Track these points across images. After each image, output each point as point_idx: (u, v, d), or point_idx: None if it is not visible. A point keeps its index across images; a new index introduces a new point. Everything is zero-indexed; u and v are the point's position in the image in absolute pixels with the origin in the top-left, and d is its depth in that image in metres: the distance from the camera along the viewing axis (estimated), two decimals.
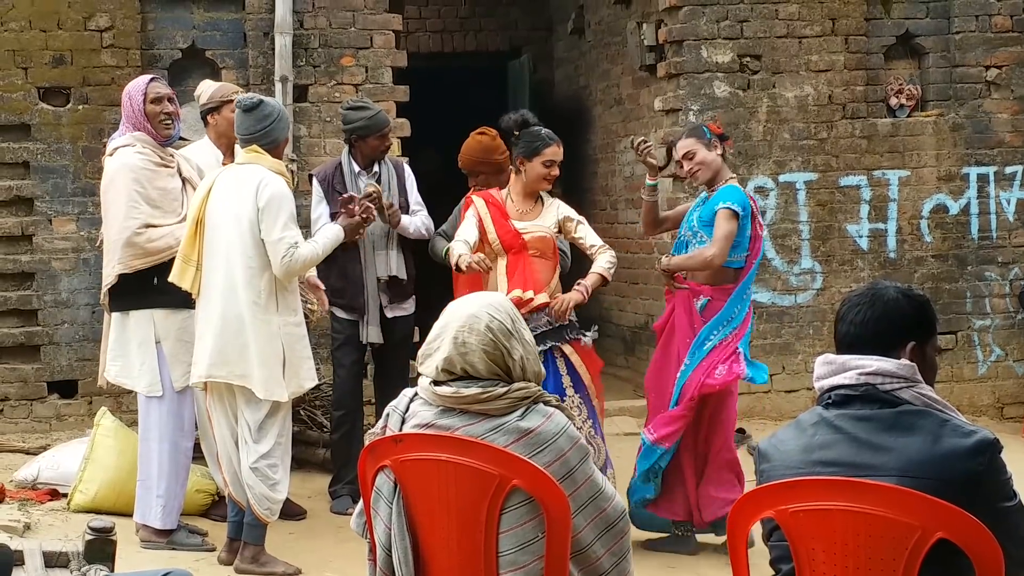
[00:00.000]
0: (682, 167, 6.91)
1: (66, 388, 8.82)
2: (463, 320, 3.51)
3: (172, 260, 6.16)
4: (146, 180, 6.35)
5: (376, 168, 7.43)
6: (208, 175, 6.35)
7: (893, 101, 9.94)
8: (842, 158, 9.83)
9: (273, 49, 8.93)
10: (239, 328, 6.00)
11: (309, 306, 6.76)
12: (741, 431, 9.03)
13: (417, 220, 7.48)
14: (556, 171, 6.66)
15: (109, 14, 8.79)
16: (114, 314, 6.48)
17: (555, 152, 6.63)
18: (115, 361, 6.47)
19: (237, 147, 7.03)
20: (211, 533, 6.67)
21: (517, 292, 6.42)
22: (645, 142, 6.98)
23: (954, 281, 9.98)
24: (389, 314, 7.46)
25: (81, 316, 8.73)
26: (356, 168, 7.43)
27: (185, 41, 9.02)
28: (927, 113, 9.99)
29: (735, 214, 6.51)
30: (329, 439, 7.79)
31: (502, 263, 6.57)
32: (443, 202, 7.75)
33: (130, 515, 6.49)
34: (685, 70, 9.63)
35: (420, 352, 3.60)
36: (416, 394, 3.62)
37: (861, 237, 9.88)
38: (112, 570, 4.22)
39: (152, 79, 6.62)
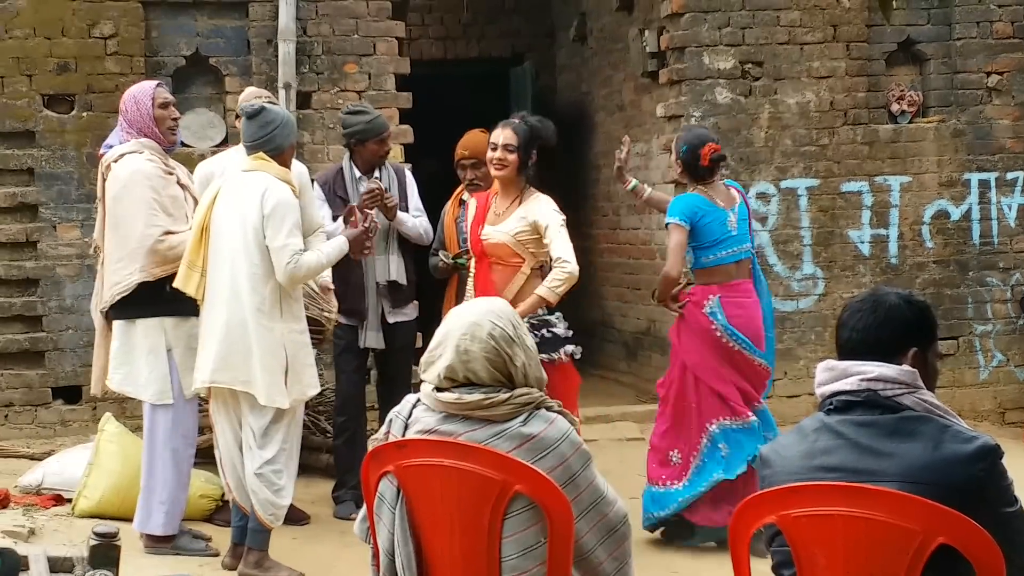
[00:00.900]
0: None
1: (70, 394, 8.84)
2: (465, 328, 3.52)
3: None
4: (160, 187, 6.34)
5: (377, 173, 7.45)
6: (214, 182, 6.36)
7: (895, 107, 9.95)
8: (844, 164, 9.84)
9: (276, 56, 8.94)
10: (243, 334, 6.01)
11: (325, 314, 6.75)
12: None
13: (417, 223, 7.50)
14: (501, 154, 6.40)
15: (113, 21, 8.81)
16: (117, 322, 6.43)
17: (496, 134, 6.48)
18: (118, 369, 6.43)
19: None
20: (215, 538, 6.68)
21: None
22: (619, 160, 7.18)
23: (955, 287, 9.99)
24: (390, 319, 7.47)
25: (85, 322, 8.72)
26: (357, 173, 7.45)
27: (189, 48, 9.04)
28: (928, 119, 10.01)
29: (677, 225, 6.81)
30: (332, 444, 7.80)
31: (473, 269, 6.59)
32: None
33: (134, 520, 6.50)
34: (687, 77, 9.65)
35: (422, 359, 3.61)
36: (419, 400, 3.63)
37: (863, 243, 9.89)
38: (116, 575, 4.23)
39: (158, 84, 6.64)
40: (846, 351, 3.32)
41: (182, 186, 6.51)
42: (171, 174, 6.46)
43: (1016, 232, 10.08)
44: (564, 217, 6.42)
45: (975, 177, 10.02)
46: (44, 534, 6.52)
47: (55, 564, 4.46)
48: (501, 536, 3.39)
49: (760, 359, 6.88)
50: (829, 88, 9.80)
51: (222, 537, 6.67)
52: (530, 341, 3.60)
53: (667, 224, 6.89)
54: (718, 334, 6.79)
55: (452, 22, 13.50)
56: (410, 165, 8.51)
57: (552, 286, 6.21)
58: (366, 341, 7.38)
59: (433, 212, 7.70)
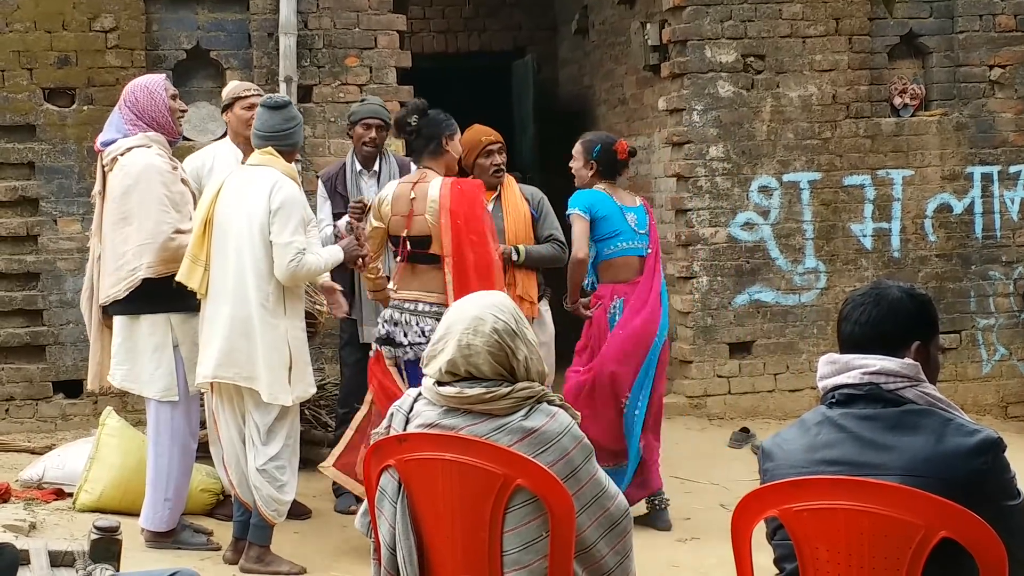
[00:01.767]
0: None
1: (71, 388, 8.83)
2: (467, 322, 3.51)
3: None
4: (170, 183, 6.31)
5: (376, 166, 7.42)
6: (218, 176, 6.34)
7: (897, 101, 9.94)
8: (846, 158, 9.84)
9: (278, 50, 8.93)
10: (247, 330, 6.00)
11: (318, 307, 6.74)
12: (745, 430, 9.05)
13: None
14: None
15: (114, 15, 8.80)
16: (119, 318, 6.39)
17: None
18: (121, 366, 6.39)
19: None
20: (216, 532, 6.68)
21: None
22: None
23: (958, 280, 9.98)
24: None
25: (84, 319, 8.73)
26: (358, 167, 7.44)
27: (190, 42, 9.03)
28: (931, 113, 10.00)
29: (579, 215, 7.06)
30: (333, 437, 7.80)
31: None
32: None
33: (135, 514, 6.48)
34: (689, 70, 9.64)
35: (424, 354, 3.61)
36: (420, 394, 3.63)
37: (865, 236, 9.89)
38: (118, 569, 4.23)
39: (164, 76, 6.64)
40: (848, 344, 3.31)
41: (183, 182, 6.49)
42: (176, 169, 6.44)
43: (1019, 225, 10.07)
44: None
45: (977, 171, 10.01)
46: (45, 528, 6.52)
47: (56, 558, 4.45)
48: (502, 530, 3.38)
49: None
50: (831, 81, 9.79)
51: (223, 531, 6.67)
52: (531, 335, 3.60)
53: (568, 216, 7.10)
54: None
55: (454, 15, 13.50)
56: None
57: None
58: (363, 336, 7.38)
59: None
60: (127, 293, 6.29)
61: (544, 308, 7.29)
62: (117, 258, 6.32)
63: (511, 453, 3.38)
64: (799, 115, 9.77)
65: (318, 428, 8.19)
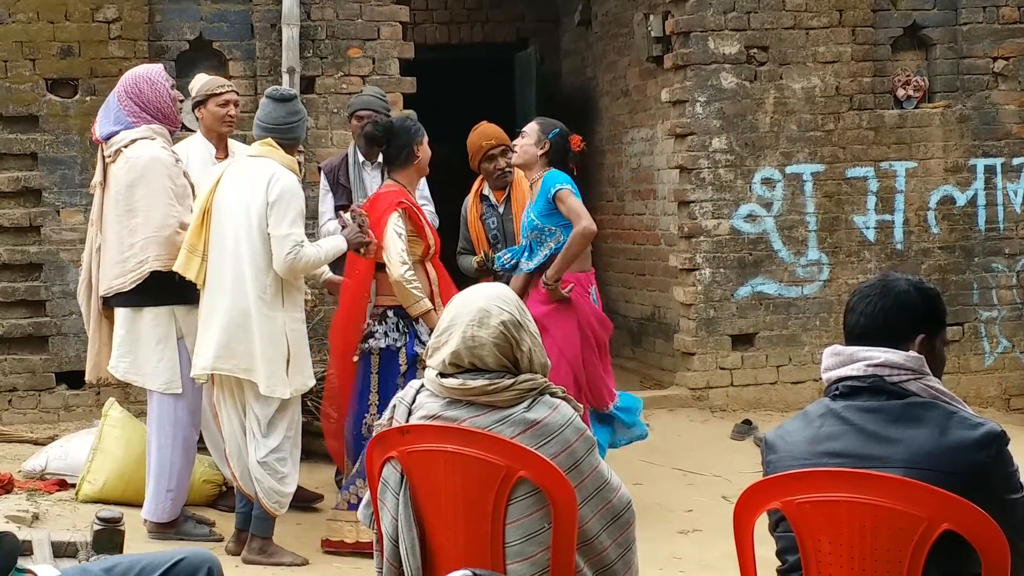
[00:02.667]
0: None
1: (74, 379, 8.83)
2: (472, 314, 3.50)
3: None
4: (175, 176, 6.32)
5: (380, 158, 7.40)
6: (217, 166, 6.33)
7: (900, 92, 9.93)
8: (849, 149, 9.83)
9: (280, 40, 8.93)
10: (245, 322, 6.00)
11: (306, 296, 6.74)
12: (748, 422, 9.06)
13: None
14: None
15: (116, 5, 8.79)
16: (121, 310, 6.38)
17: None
18: (124, 358, 6.38)
19: (232, 142, 7.06)
20: (218, 524, 6.69)
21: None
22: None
23: (961, 272, 9.98)
24: None
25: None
26: (360, 158, 7.43)
27: (192, 32, 9.03)
28: (934, 104, 9.99)
29: (570, 190, 6.70)
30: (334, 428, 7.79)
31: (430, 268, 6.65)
32: (453, 195, 7.74)
33: (138, 505, 6.49)
34: (692, 61, 9.63)
35: (428, 345, 3.61)
36: (422, 386, 3.62)
37: (868, 228, 9.88)
38: None
39: (162, 66, 6.63)
40: (853, 336, 3.30)
41: (184, 175, 6.50)
42: (179, 162, 6.45)
43: (1022, 218, 10.07)
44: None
45: (981, 163, 10.00)
46: (48, 519, 6.53)
47: (59, 549, 4.47)
48: (505, 521, 3.38)
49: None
50: (835, 73, 9.77)
51: (225, 522, 6.67)
52: (534, 327, 3.59)
53: (557, 192, 6.68)
54: (594, 324, 6.91)
55: (456, 6, 13.49)
56: None
57: None
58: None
59: (446, 200, 7.67)
60: (132, 285, 6.28)
61: None
62: (123, 250, 6.31)
63: (514, 445, 3.38)
64: (802, 107, 9.75)
65: (320, 420, 8.19)
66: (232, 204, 6.03)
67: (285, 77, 8.82)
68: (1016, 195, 10.06)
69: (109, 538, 4.26)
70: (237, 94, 7.16)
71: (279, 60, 8.92)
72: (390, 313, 6.39)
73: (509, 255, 6.98)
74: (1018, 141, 10.04)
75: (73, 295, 8.68)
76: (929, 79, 10.02)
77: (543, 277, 6.77)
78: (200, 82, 7.09)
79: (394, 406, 3.65)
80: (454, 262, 7.24)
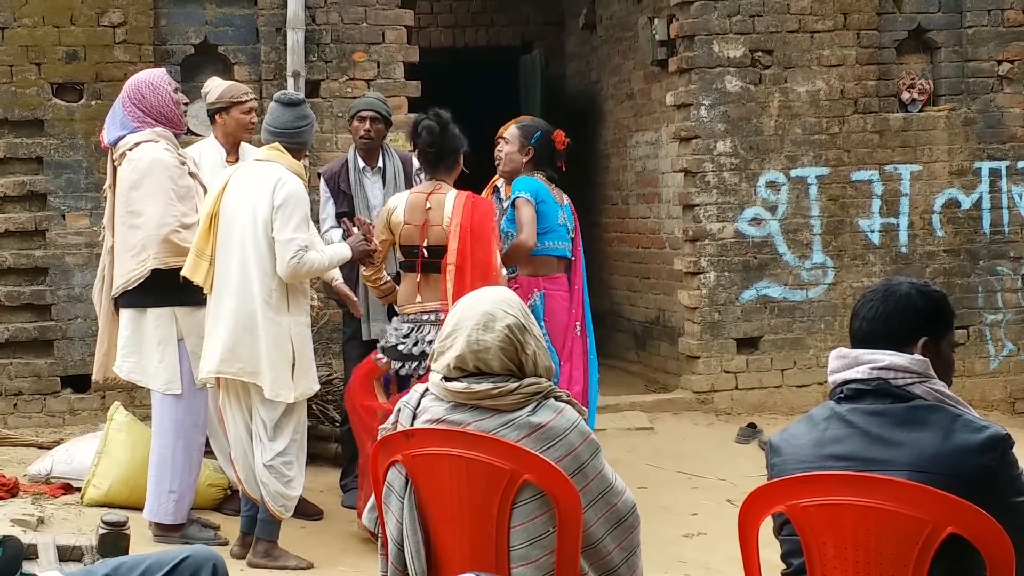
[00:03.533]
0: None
1: (79, 383, 8.84)
2: (477, 318, 3.50)
3: None
4: (177, 177, 6.36)
5: (380, 163, 7.41)
6: (224, 171, 6.36)
7: (905, 95, 9.92)
8: (854, 153, 9.82)
9: (285, 45, 8.94)
10: (251, 326, 6.01)
11: (312, 302, 6.76)
12: (752, 426, 9.05)
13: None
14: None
15: (122, 10, 8.80)
16: (127, 311, 6.43)
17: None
18: (128, 358, 6.43)
19: (243, 145, 7.08)
20: (223, 527, 6.69)
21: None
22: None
23: (966, 276, 9.97)
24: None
25: (94, 311, 8.70)
26: (361, 164, 7.42)
27: (197, 37, 9.04)
28: (939, 107, 9.98)
29: (528, 200, 6.78)
30: (339, 432, 7.81)
31: None
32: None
33: (143, 509, 6.50)
34: (696, 65, 9.63)
35: (433, 349, 3.61)
36: (427, 390, 3.63)
37: (873, 232, 9.87)
38: None
39: (164, 70, 6.65)
40: (857, 341, 3.31)
41: (191, 175, 6.52)
42: (184, 164, 6.48)
43: None
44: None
45: (986, 166, 9.99)
46: (53, 523, 6.53)
47: (64, 552, 4.47)
48: (510, 525, 3.39)
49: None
50: (839, 76, 9.77)
51: (230, 526, 6.68)
52: (537, 330, 3.60)
53: (515, 199, 6.79)
54: None
55: (461, 10, 13.49)
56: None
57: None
58: (369, 333, 7.36)
59: None
60: (137, 284, 6.34)
61: None
62: (127, 250, 6.39)
63: (518, 448, 3.38)
64: (807, 110, 9.75)
65: (325, 423, 8.20)
66: (238, 208, 6.05)
67: (290, 81, 8.83)
68: (1021, 198, 10.05)
69: (114, 542, 4.27)
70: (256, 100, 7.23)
71: (284, 64, 8.93)
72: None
73: None
74: (1023, 144, 10.03)
75: (78, 299, 8.73)
76: (934, 82, 10.02)
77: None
78: (215, 86, 7.10)
79: (399, 410, 3.65)
80: None
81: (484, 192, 7.45)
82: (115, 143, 6.46)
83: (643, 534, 3.65)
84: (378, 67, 9.20)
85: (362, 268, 6.56)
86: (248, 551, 6.20)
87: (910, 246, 9.92)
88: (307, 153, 6.96)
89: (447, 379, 3.53)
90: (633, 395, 10.18)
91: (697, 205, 9.67)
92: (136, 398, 8.28)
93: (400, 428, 3.59)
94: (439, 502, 3.48)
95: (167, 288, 6.31)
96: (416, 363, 6.19)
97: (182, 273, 6.12)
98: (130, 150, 6.37)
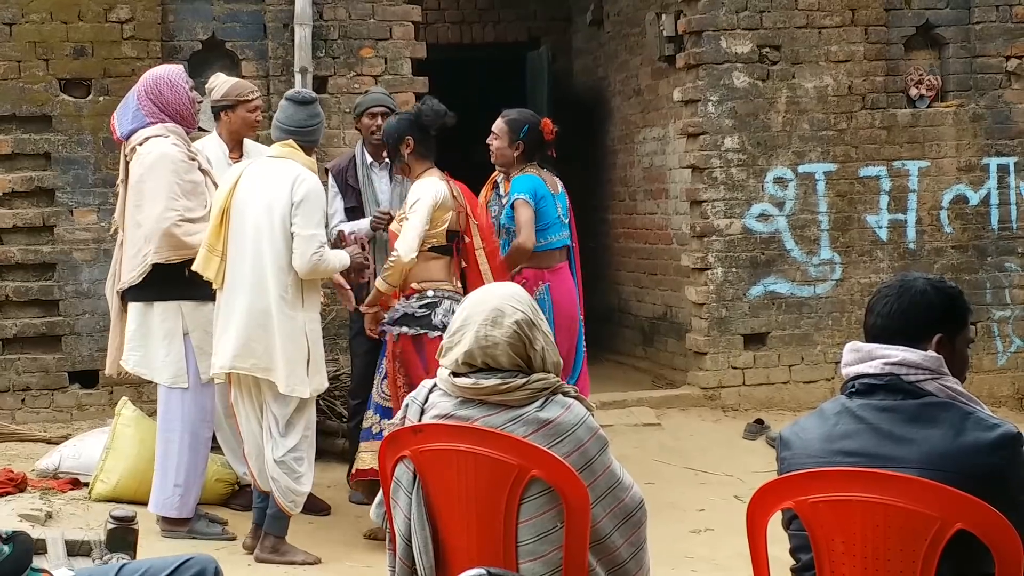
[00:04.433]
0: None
1: (87, 378, 8.86)
2: (486, 314, 3.50)
3: None
4: (183, 172, 6.38)
5: (388, 158, 7.41)
6: (234, 167, 6.37)
7: (913, 92, 9.91)
8: (862, 149, 9.81)
9: (293, 40, 8.94)
10: (265, 321, 6.03)
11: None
12: (760, 422, 9.05)
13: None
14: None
15: (130, 5, 8.81)
16: (134, 304, 6.47)
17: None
18: (135, 351, 6.48)
19: (246, 141, 7.11)
20: (231, 522, 6.70)
21: None
22: None
23: (974, 272, 9.95)
24: None
25: (102, 306, 8.72)
26: (368, 159, 7.42)
27: (205, 32, 9.04)
28: (947, 104, 9.97)
29: (526, 202, 6.83)
30: (346, 428, 7.81)
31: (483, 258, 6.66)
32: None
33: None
34: (704, 61, 9.62)
35: (441, 344, 3.61)
36: (435, 385, 3.63)
37: (880, 228, 9.86)
38: (134, 559, 4.24)
39: (181, 67, 6.68)
40: (872, 336, 3.30)
41: (203, 171, 6.54)
42: (193, 159, 6.50)
43: None
44: (432, 199, 6.46)
45: (994, 162, 9.98)
46: (61, 518, 6.55)
47: (72, 547, 4.47)
48: (517, 521, 3.39)
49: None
50: (847, 72, 9.76)
51: (238, 521, 6.69)
52: (546, 325, 3.60)
53: (514, 200, 6.85)
54: None
55: (468, 6, 13.48)
56: None
57: (383, 275, 6.45)
58: None
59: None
60: (141, 279, 6.37)
61: None
62: (133, 244, 6.45)
63: (526, 444, 3.38)
64: (815, 106, 9.74)
65: (333, 418, 8.21)
66: (253, 204, 6.06)
67: (297, 77, 8.83)
68: None
69: (123, 537, 4.27)
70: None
71: (291, 60, 8.93)
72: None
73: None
74: None
75: (86, 294, 8.74)
76: (942, 78, 10.00)
77: None
78: (221, 83, 7.12)
79: (407, 405, 3.65)
80: None
81: (484, 188, 7.48)
82: (127, 136, 6.48)
83: (650, 530, 3.65)
84: (385, 63, 9.20)
85: (379, 285, 6.54)
86: (259, 550, 6.22)
87: (918, 242, 9.91)
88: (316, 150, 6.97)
89: (455, 375, 3.53)
90: (640, 391, 10.18)
91: (704, 201, 9.67)
92: (144, 393, 8.29)
93: (408, 423, 3.59)
94: (447, 497, 3.48)
95: (173, 282, 6.35)
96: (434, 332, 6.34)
97: (193, 268, 6.13)
98: (140, 144, 6.42)
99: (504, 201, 7.27)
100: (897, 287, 3.32)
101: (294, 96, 6.37)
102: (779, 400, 9.70)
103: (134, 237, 6.43)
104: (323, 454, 7.70)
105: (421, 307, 6.44)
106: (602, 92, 12.45)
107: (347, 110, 9.02)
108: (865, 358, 3.25)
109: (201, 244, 6.15)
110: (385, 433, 5.30)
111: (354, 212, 7.31)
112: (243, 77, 8.74)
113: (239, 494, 7.06)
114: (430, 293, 6.48)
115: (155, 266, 6.32)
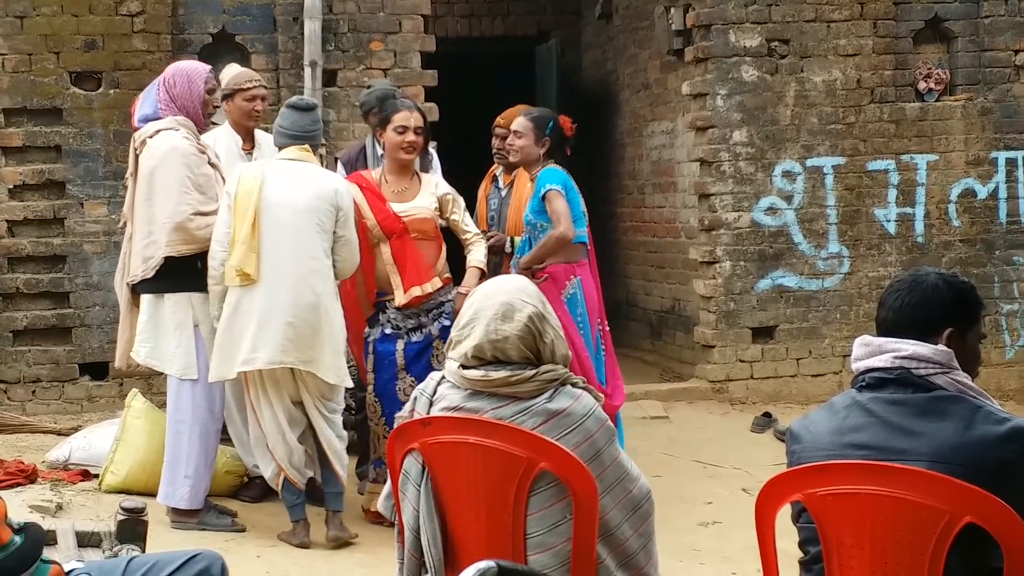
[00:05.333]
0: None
1: (97, 370, 8.89)
2: (496, 308, 3.51)
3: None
4: (195, 166, 6.41)
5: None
6: (254, 168, 6.42)
7: (921, 85, 9.91)
8: (870, 142, 9.81)
9: (302, 34, 8.95)
10: (314, 317, 6.21)
11: None
12: (767, 415, 9.05)
13: None
14: (411, 137, 6.59)
15: None
16: (145, 296, 6.49)
17: (405, 117, 6.59)
18: (145, 343, 6.49)
19: (258, 133, 7.15)
20: (240, 514, 6.72)
21: (415, 292, 6.52)
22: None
23: (982, 266, 9.95)
24: None
25: (112, 298, 8.71)
26: (379, 151, 7.44)
27: (215, 26, 9.06)
28: (955, 97, 9.96)
29: (559, 192, 6.70)
30: (355, 420, 7.82)
31: (386, 250, 6.60)
32: (474, 185, 7.74)
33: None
34: (713, 54, 9.63)
35: (450, 338, 3.62)
36: (443, 377, 3.63)
37: (889, 221, 9.86)
38: (144, 550, 4.25)
39: (211, 69, 6.73)
40: (883, 330, 3.30)
41: (212, 165, 6.56)
42: (204, 153, 6.52)
43: None
44: None
45: (1002, 156, 9.98)
46: (71, 509, 6.57)
47: (83, 539, 4.48)
48: (526, 513, 3.39)
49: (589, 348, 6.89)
50: (856, 66, 9.76)
51: (247, 513, 6.71)
52: (555, 319, 3.61)
53: (547, 192, 6.71)
54: (577, 322, 6.79)
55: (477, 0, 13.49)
56: (435, 144, 8.50)
57: (483, 260, 6.65)
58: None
59: (469, 190, 7.66)
60: (154, 272, 6.39)
61: None
62: (144, 237, 6.46)
63: (534, 436, 3.38)
64: (823, 100, 9.74)
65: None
66: (290, 205, 6.23)
67: (307, 70, 8.84)
68: None
69: (132, 528, 4.28)
70: (266, 88, 7.26)
71: (301, 53, 8.94)
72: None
73: (517, 253, 6.99)
74: None
75: (96, 287, 8.77)
76: (950, 72, 9.99)
77: (514, 261, 6.89)
78: (231, 73, 7.19)
79: (415, 398, 3.65)
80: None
81: (483, 182, 7.49)
82: (144, 122, 6.52)
83: (658, 523, 3.66)
84: (395, 56, 9.21)
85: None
86: (308, 537, 6.35)
87: (926, 236, 9.91)
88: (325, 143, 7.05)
89: (464, 367, 3.54)
90: (648, 384, 10.19)
91: (713, 194, 9.67)
92: (154, 385, 8.32)
93: (417, 416, 3.60)
94: (455, 490, 3.49)
95: (184, 274, 6.39)
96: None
97: (232, 264, 6.17)
98: (150, 137, 6.44)
99: (503, 195, 7.28)
100: (909, 281, 3.32)
101: (297, 103, 6.53)
102: (787, 393, 9.70)
103: (143, 230, 6.45)
104: None
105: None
106: (611, 86, 12.45)
107: (356, 103, 9.02)
108: (875, 352, 3.25)
109: (239, 241, 6.19)
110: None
111: None
112: (251, 70, 8.77)
113: (248, 486, 7.08)
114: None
115: (167, 258, 6.35)
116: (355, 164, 7.45)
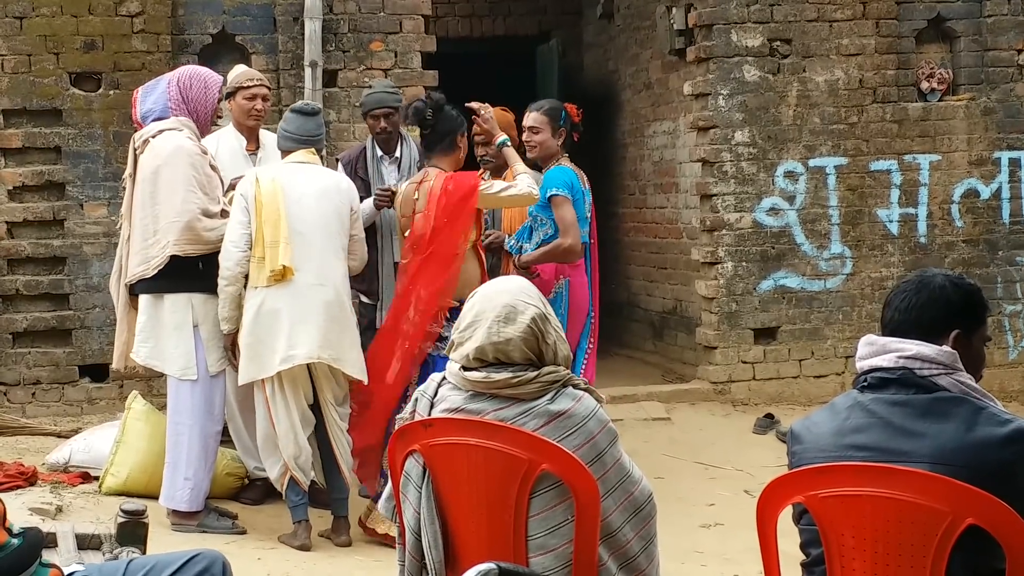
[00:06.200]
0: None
1: (97, 372, 8.87)
2: (499, 310, 3.49)
3: (218, 248, 6.31)
4: (199, 166, 6.43)
5: (397, 152, 7.41)
6: (267, 171, 6.45)
7: (924, 85, 9.89)
8: (872, 142, 9.80)
9: (303, 34, 8.94)
10: (339, 315, 6.35)
11: None
12: (770, 416, 9.04)
13: None
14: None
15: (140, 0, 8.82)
16: (144, 296, 6.48)
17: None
18: (145, 343, 6.49)
19: (263, 132, 7.15)
20: (240, 516, 6.71)
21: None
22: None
23: (985, 266, 9.93)
24: None
25: (112, 300, 8.76)
26: (378, 152, 7.43)
27: (215, 26, 9.04)
28: (958, 97, 9.94)
29: (566, 198, 6.66)
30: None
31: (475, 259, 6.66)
32: None
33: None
34: (715, 54, 9.61)
35: (451, 339, 3.60)
36: (444, 379, 3.62)
37: (891, 222, 9.85)
38: (144, 552, 4.24)
39: (223, 79, 6.79)
40: (888, 331, 3.29)
41: (212, 168, 6.56)
42: (206, 154, 6.52)
43: None
44: None
45: (1005, 155, 9.96)
46: (72, 511, 6.56)
47: (83, 541, 4.47)
48: (528, 514, 3.38)
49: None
50: (858, 66, 9.74)
51: (247, 515, 6.70)
52: (556, 319, 3.59)
53: (553, 196, 6.66)
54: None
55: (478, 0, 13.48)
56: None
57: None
58: (382, 320, 7.37)
59: None
60: (155, 272, 6.38)
61: None
62: (146, 237, 6.44)
63: (536, 438, 3.37)
64: (825, 100, 9.73)
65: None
66: (313, 207, 6.35)
67: (307, 71, 8.83)
68: None
69: (133, 530, 4.26)
70: (268, 88, 7.27)
71: (301, 54, 8.93)
72: None
73: (515, 239, 6.94)
74: None
75: (96, 288, 8.75)
76: (953, 72, 9.98)
77: (517, 258, 6.80)
78: (232, 73, 7.22)
79: (416, 399, 3.64)
80: None
81: None
82: (146, 118, 6.51)
83: (659, 524, 3.65)
84: (395, 56, 9.20)
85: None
86: (298, 539, 6.35)
87: (929, 236, 9.90)
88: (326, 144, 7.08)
89: (465, 368, 3.53)
90: (650, 385, 10.17)
91: (715, 195, 9.66)
92: (154, 387, 8.31)
93: (418, 417, 3.58)
94: (457, 491, 3.48)
95: (183, 275, 6.39)
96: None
97: (280, 261, 6.22)
98: (153, 137, 6.44)
99: None
100: (915, 282, 3.31)
101: (303, 108, 6.62)
102: (789, 395, 9.69)
103: (147, 229, 6.43)
104: None
105: None
106: (612, 86, 12.44)
107: (357, 104, 9.01)
108: (879, 351, 3.24)
109: (272, 239, 6.23)
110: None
111: (361, 202, 7.32)
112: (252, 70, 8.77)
113: (249, 488, 7.07)
114: None
115: (171, 257, 6.34)
116: (355, 165, 7.43)
